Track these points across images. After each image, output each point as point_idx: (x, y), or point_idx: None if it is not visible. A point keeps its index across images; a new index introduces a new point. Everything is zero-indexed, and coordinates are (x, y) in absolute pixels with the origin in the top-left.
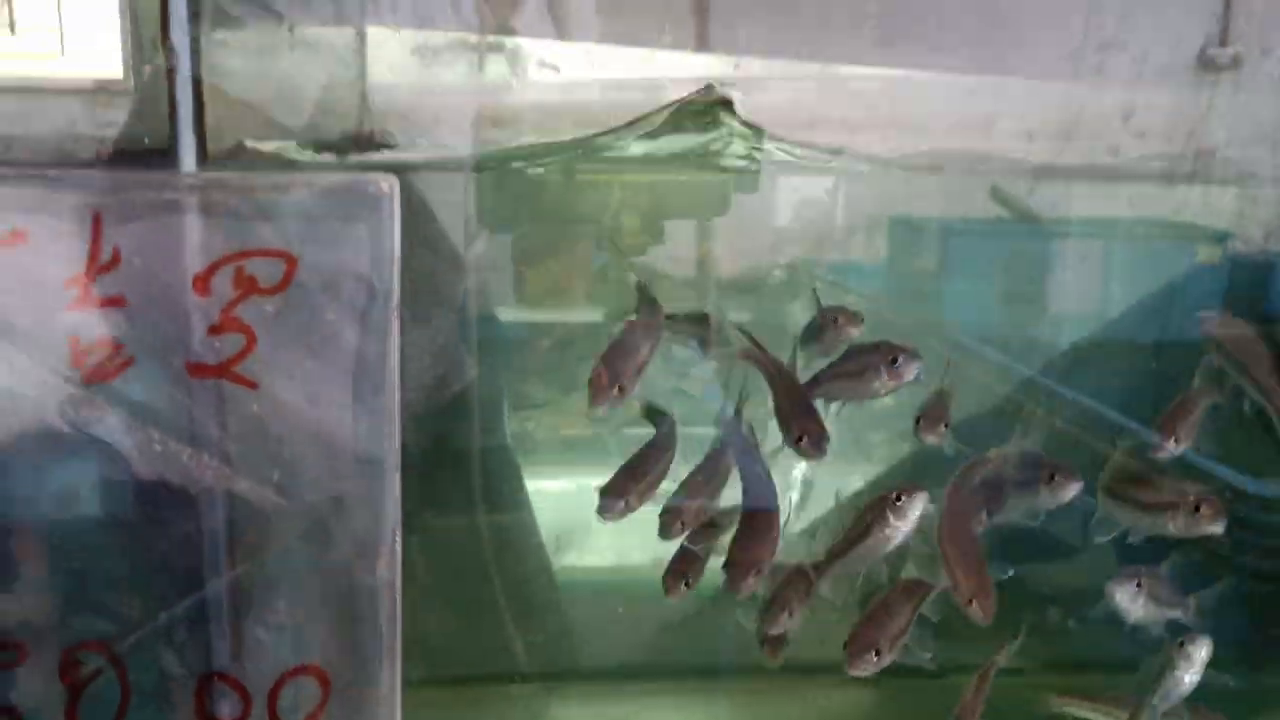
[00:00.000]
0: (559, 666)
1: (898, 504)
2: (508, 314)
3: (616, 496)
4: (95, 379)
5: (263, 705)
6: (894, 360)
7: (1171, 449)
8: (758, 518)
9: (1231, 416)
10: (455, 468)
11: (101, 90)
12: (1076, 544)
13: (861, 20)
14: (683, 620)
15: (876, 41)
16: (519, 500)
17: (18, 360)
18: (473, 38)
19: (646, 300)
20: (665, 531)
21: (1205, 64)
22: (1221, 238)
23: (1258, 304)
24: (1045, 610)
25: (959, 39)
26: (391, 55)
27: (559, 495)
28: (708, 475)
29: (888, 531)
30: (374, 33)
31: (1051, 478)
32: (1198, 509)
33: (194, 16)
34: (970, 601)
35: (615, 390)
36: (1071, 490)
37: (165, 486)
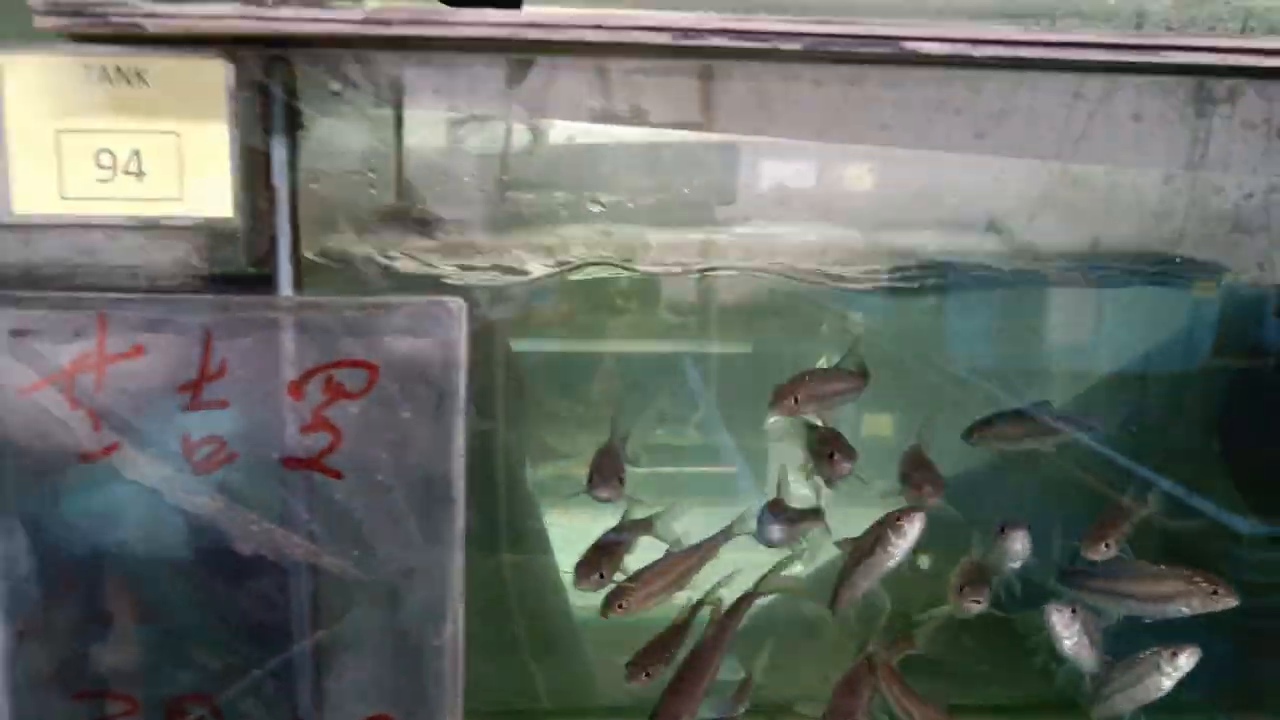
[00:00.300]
0: (577, 703)
1: (899, 524)
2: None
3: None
4: (203, 470)
5: None
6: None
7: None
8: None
9: None
10: (481, 512)
11: (213, 227)
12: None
13: None
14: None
15: None
16: (539, 541)
17: (138, 456)
18: None
19: None
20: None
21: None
22: (1217, 271)
23: (1250, 335)
24: (1031, 652)
25: None
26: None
27: (579, 535)
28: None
29: (891, 550)
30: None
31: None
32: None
33: (291, 165)
34: None
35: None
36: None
37: (260, 561)
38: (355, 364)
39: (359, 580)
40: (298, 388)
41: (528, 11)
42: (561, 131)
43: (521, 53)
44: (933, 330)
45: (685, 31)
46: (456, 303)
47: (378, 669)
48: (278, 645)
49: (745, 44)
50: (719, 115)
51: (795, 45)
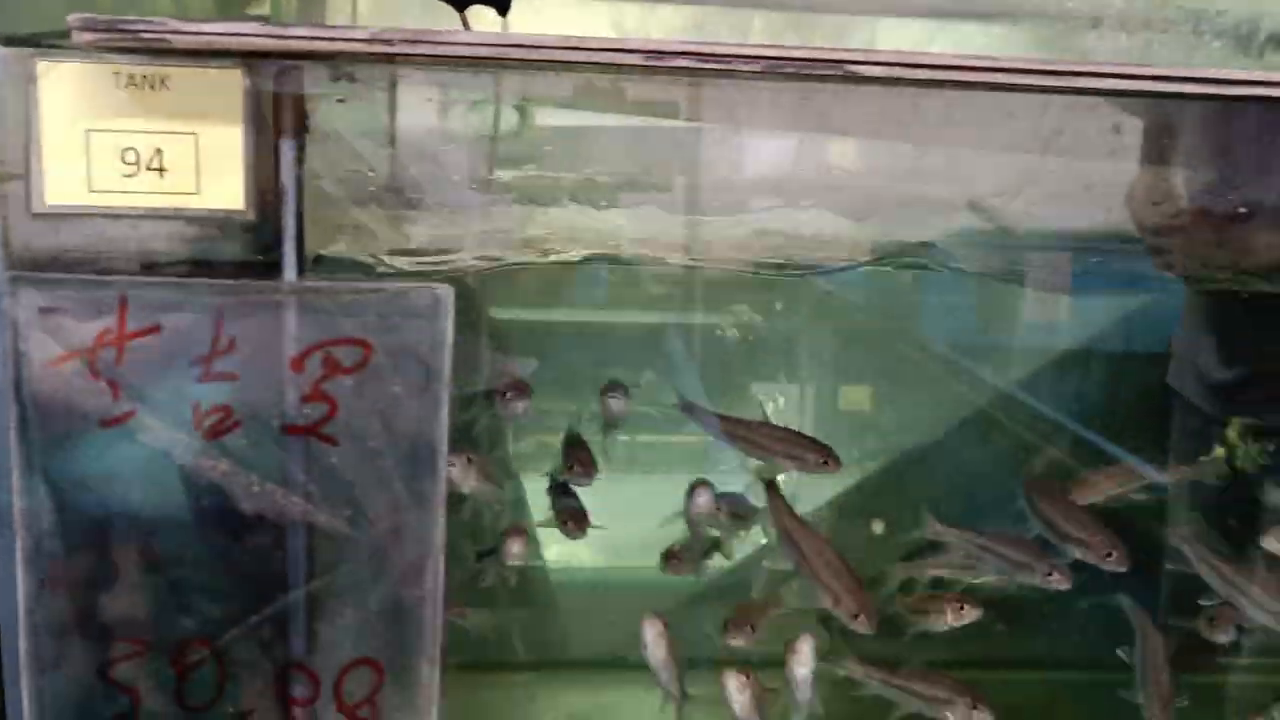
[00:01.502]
0: (552, 656)
1: None
2: None
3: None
4: (211, 435)
5: (330, 688)
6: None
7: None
8: None
9: None
10: None
11: (227, 218)
12: None
13: None
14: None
15: None
16: (515, 502)
17: (153, 422)
18: None
19: None
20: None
21: None
22: None
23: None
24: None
25: None
26: None
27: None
28: None
29: None
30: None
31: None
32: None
33: (299, 162)
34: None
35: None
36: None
37: (261, 518)
38: (351, 342)
39: (350, 537)
40: (299, 363)
41: (513, 34)
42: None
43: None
44: (910, 306)
45: (654, 54)
46: (444, 289)
47: (365, 618)
48: (274, 595)
49: (708, 65)
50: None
51: (754, 67)
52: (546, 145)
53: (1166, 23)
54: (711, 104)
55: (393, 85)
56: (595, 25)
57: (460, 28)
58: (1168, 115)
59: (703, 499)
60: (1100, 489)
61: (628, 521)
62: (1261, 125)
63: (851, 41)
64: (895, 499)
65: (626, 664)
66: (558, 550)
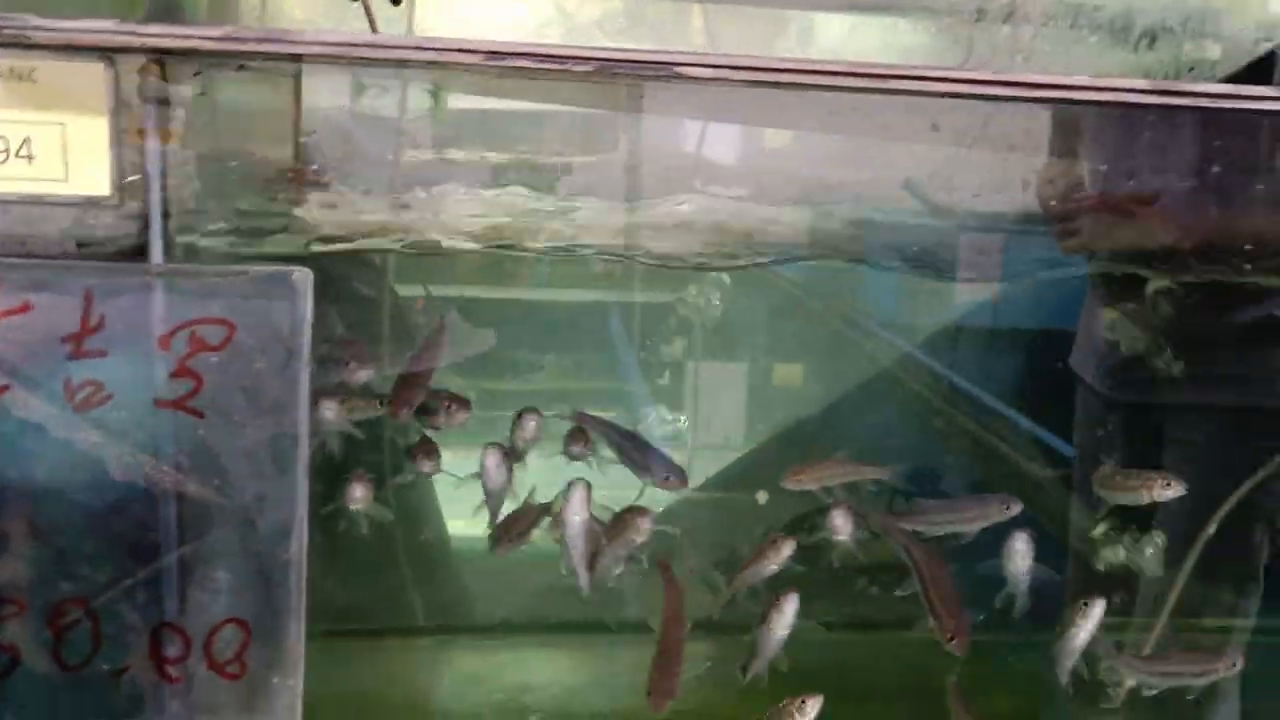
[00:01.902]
0: (452, 622)
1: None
2: None
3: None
4: (83, 409)
5: (200, 647)
6: None
7: None
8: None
9: None
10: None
11: (94, 204)
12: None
13: None
14: (560, 581)
15: None
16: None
17: (27, 396)
18: None
19: None
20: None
21: None
22: None
23: None
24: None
25: None
26: None
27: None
28: None
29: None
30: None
31: None
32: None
33: (161, 151)
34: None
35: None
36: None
37: (133, 487)
38: (216, 321)
39: (218, 504)
40: (166, 341)
41: (363, 34)
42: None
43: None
44: (849, 287)
45: (494, 54)
46: (303, 271)
47: (234, 580)
48: (147, 559)
49: (545, 65)
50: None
51: (587, 68)
52: (459, 128)
53: (1046, 16)
54: (657, 100)
55: (296, 74)
56: (538, 7)
57: (364, 18)
58: (1071, 109)
59: (530, 424)
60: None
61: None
62: (1166, 122)
63: (789, 33)
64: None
65: (516, 627)
66: (456, 524)
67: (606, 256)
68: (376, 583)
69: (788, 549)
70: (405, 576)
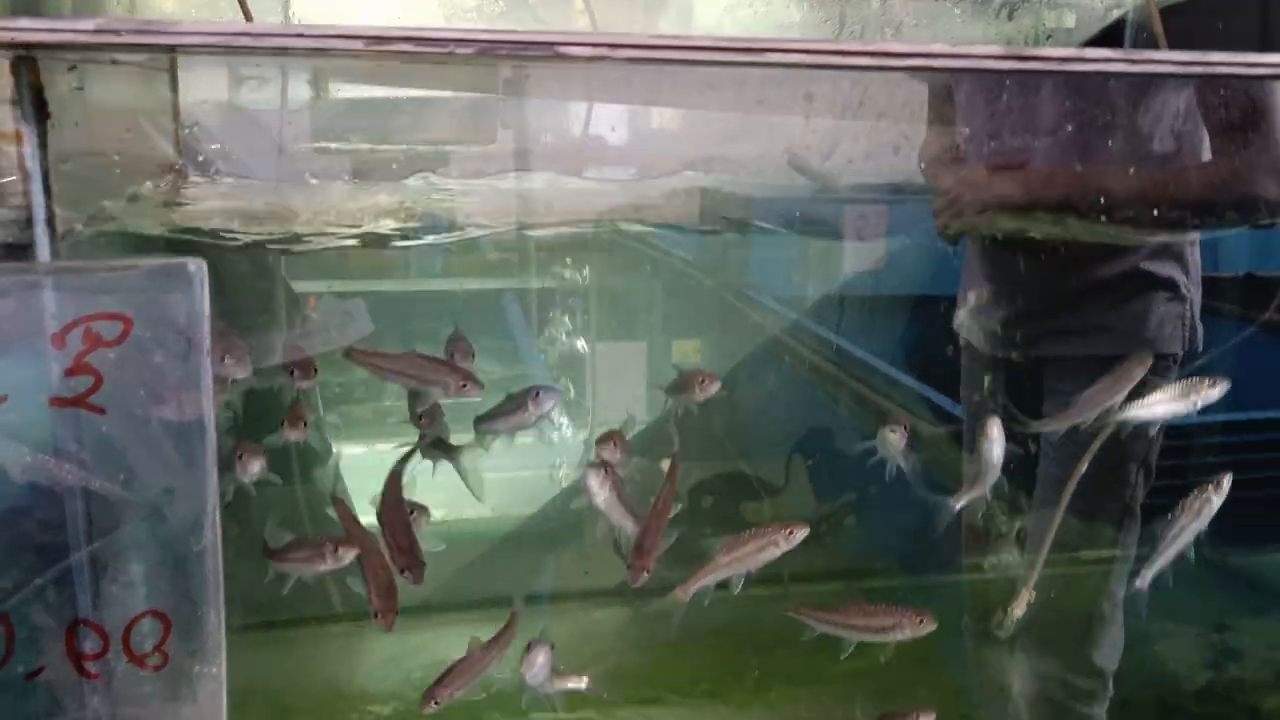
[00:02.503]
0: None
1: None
2: None
3: None
4: None
5: (119, 641)
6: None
7: None
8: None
9: None
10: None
11: None
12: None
13: None
14: (470, 564)
15: None
16: (330, 466)
17: None
18: None
19: None
20: None
21: None
22: None
23: None
24: None
25: None
26: None
27: (366, 458)
28: None
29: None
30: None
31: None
32: None
33: (42, 148)
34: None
35: None
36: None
37: (36, 487)
38: (110, 317)
39: (126, 500)
40: (60, 338)
41: (240, 23)
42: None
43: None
44: (739, 261)
45: (375, 39)
46: (197, 263)
47: (148, 574)
48: (56, 558)
49: (426, 49)
50: None
51: (469, 50)
52: (344, 117)
53: None
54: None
55: (172, 65)
56: None
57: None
58: (946, 80)
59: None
60: None
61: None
62: (1026, 86)
63: (669, 14)
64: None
65: (432, 609)
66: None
67: (500, 232)
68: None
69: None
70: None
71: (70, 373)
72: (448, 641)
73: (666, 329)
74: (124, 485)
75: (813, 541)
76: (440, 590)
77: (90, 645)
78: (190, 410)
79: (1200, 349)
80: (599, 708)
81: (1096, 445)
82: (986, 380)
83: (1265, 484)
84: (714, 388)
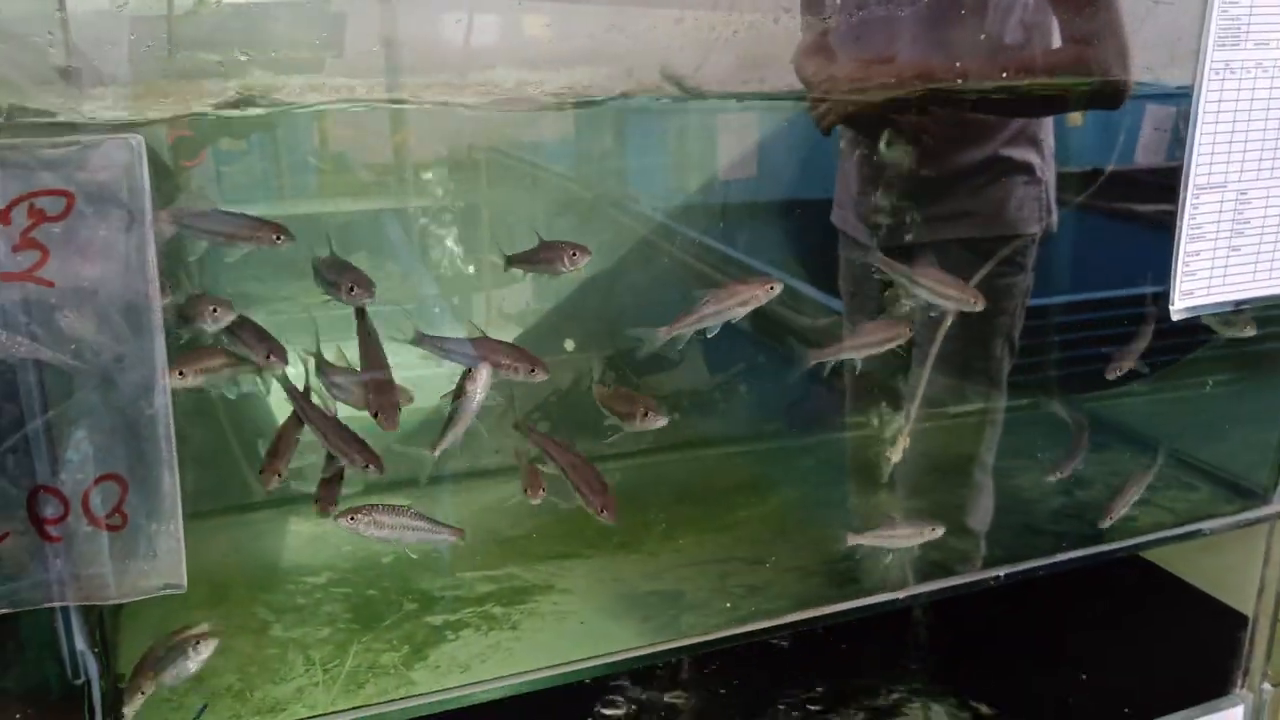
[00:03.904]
0: (288, 493)
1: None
2: None
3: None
4: None
5: (78, 504)
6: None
7: None
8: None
9: None
10: None
11: None
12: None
13: None
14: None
15: None
16: None
17: None
18: None
19: None
20: None
21: None
22: None
23: None
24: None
25: None
26: None
27: None
28: None
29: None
30: None
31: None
32: None
33: None
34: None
35: None
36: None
37: None
38: (53, 193)
39: (78, 369)
40: (4, 215)
41: None
42: None
43: None
44: (614, 171)
45: None
46: (136, 138)
47: (104, 439)
48: (13, 427)
49: None
50: None
51: None
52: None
53: None
54: None
55: None
56: None
57: None
58: None
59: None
60: None
61: None
62: None
63: None
64: (589, 322)
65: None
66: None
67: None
68: (207, 467)
69: None
70: (235, 457)
71: (16, 249)
72: None
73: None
74: (75, 355)
75: (708, 407)
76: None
77: (51, 510)
78: (135, 280)
79: (1055, 229)
80: (522, 563)
81: (946, 324)
82: (866, 269)
83: (1097, 344)
84: (584, 259)
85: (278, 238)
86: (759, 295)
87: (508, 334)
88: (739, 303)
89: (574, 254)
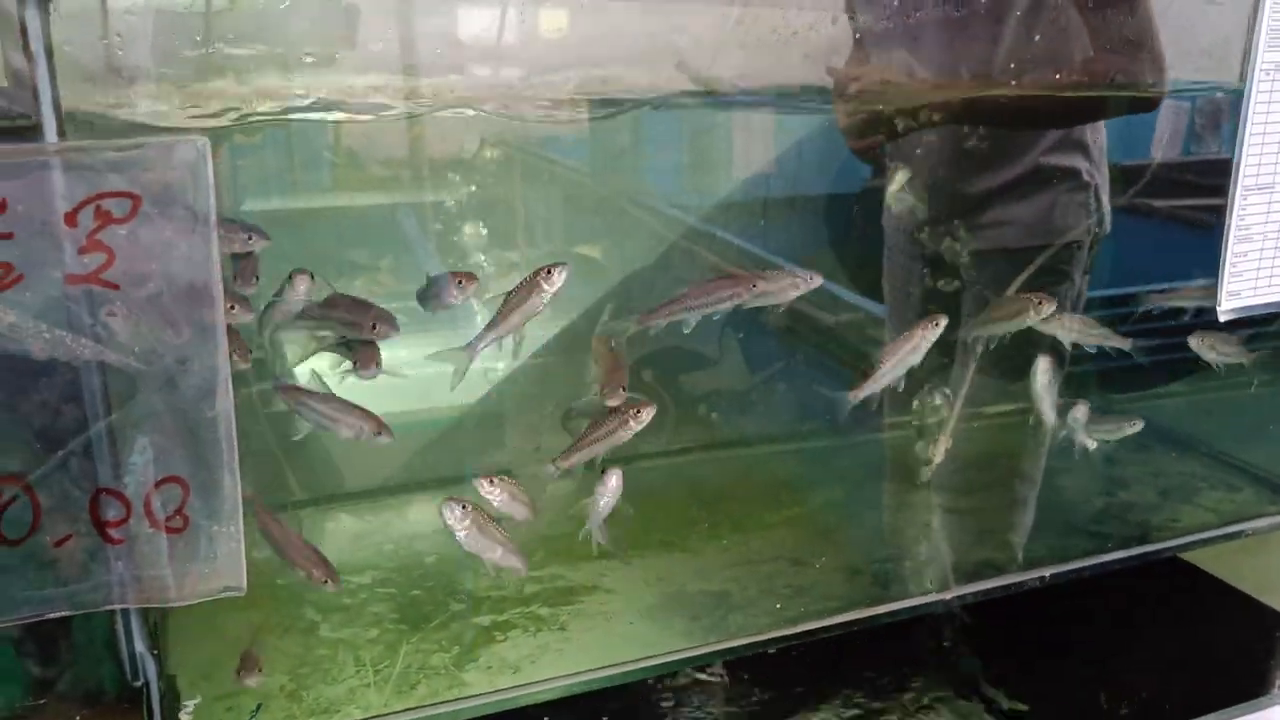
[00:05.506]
0: (329, 490)
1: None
2: None
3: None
4: None
5: (140, 506)
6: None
7: None
8: None
9: None
10: None
11: None
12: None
13: None
14: (422, 449)
15: None
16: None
17: None
18: None
19: None
20: None
21: None
22: None
23: None
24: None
25: None
26: None
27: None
28: None
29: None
30: None
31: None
32: None
33: (44, 33)
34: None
35: None
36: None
37: (55, 362)
38: (119, 195)
39: (141, 371)
40: (72, 217)
41: None
42: None
43: None
44: (631, 169)
45: None
46: (202, 140)
47: (166, 441)
48: (77, 430)
49: None
50: None
51: None
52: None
53: None
54: None
55: None
56: None
57: None
58: None
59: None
60: None
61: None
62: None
63: None
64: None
65: (391, 490)
66: None
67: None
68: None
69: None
70: (277, 458)
71: (83, 250)
72: (410, 519)
73: (565, 237)
74: (138, 358)
75: (748, 407)
76: (400, 471)
77: (114, 512)
78: (199, 282)
79: (1109, 232)
80: (565, 563)
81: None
82: (909, 275)
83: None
84: (472, 287)
85: (249, 238)
86: (740, 292)
87: (555, 325)
88: (718, 300)
89: (462, 282)
